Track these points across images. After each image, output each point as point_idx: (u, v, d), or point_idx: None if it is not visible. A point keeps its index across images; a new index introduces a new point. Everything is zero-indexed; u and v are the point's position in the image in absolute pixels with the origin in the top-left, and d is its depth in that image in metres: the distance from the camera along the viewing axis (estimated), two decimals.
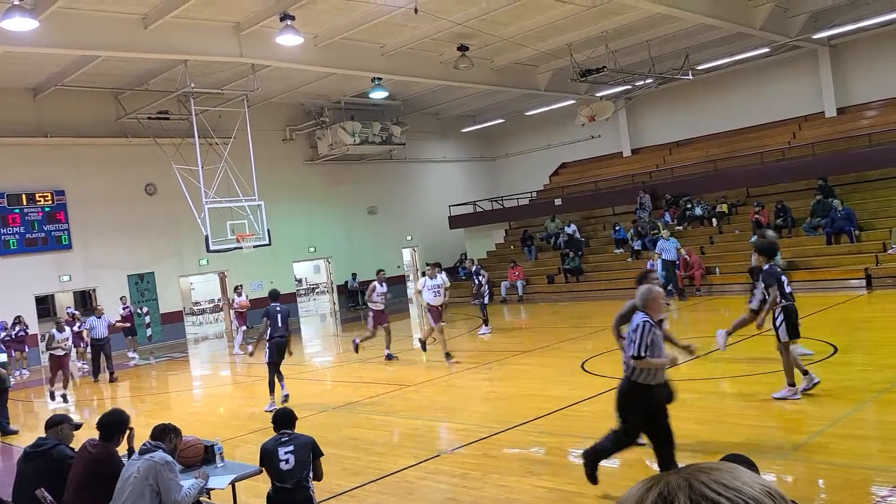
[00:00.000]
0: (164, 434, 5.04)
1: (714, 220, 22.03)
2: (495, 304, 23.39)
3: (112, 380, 15.58)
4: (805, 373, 7.90)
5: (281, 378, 10.77)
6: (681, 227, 22.55)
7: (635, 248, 22.36)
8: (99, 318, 15.89)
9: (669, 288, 18.93)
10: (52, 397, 13.67)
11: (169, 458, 4.74)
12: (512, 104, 28.12)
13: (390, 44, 19.12)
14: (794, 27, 21.08)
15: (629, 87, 24.82)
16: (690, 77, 23.21)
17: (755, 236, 15.11)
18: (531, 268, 25.04)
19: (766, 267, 8.14)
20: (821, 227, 18.65)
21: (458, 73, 20.53)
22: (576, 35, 19.85)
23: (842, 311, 13.97)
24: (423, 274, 15.61)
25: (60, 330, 13.93)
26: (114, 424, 5.06)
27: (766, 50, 22.51)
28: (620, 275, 21.55)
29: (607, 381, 9.86)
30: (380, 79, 20.96)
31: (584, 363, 11.30)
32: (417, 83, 22.81)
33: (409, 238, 29.48)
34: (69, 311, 15.30)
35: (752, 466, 3.25)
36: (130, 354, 18.92)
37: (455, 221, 28.70)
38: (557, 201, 26.27)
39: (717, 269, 19.49)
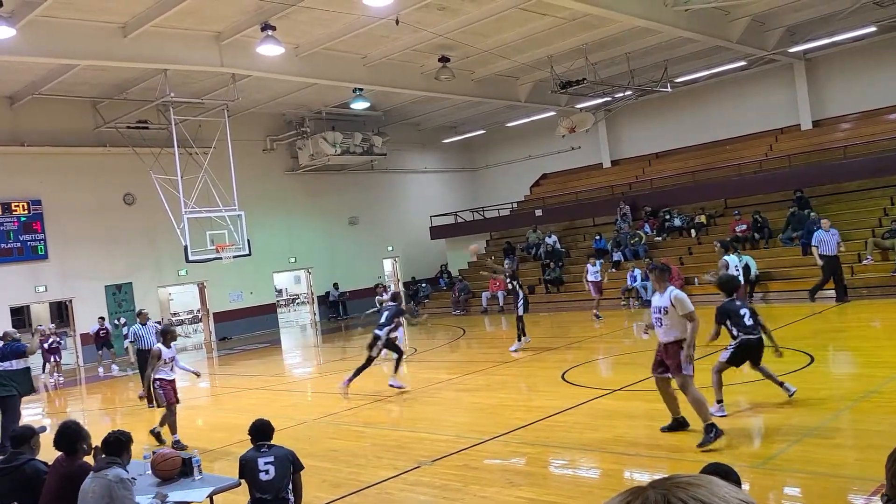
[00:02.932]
0: (119, 446, 4.77)
1: (693, 230, 22.24)
2: (475, 315, 23.44)
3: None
4: (719, 401, 7.89)
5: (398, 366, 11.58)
6: (660, 238, 22.73)
7: (615, 258, 22.49)
8: (144, 325, 13.44)
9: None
10: None
11: (124, 474, 4.52)
12: (493, 115, 28.26)
13: (372, 55, 19.16)
14: (771, 41, 21.41)
15: (609, 98, 25.05)
16: (669, 89, 23.48)
17: (719, 245, 15.30)
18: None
19: (722, 303, 8.16)
20: (797, 238, 18.88)
21: (439, 85, 20.62)
22: (556, 47, 20.01)
23: (817, 321, 14.13)
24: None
25: None
26: (66, 437, 4.92)
27: (743, 63, 22.83)
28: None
29: (588, 392, 9.90)
30: (361, 89, 20.98)
31: (564, 373, 11.32)
32: (399, 94, 22.87)
33: (390, 248, 29.45)
34: (40, 328, 14.78)
35: (732, 476, 3.26)
36: (112, 367, 18.69)
37: (436, 232, 28.72)
38: (538, 212, 26.39)
39: (697, 280, 19.64)
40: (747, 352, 7.95)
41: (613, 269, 22.15)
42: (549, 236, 24.82)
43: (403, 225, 29.56)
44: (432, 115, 28.25)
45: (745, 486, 5.31)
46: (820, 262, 15.51)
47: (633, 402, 9.32)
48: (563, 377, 11.05)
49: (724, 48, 20.86)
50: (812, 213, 19.00)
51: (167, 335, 9.75)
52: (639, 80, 22.89)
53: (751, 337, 7.91)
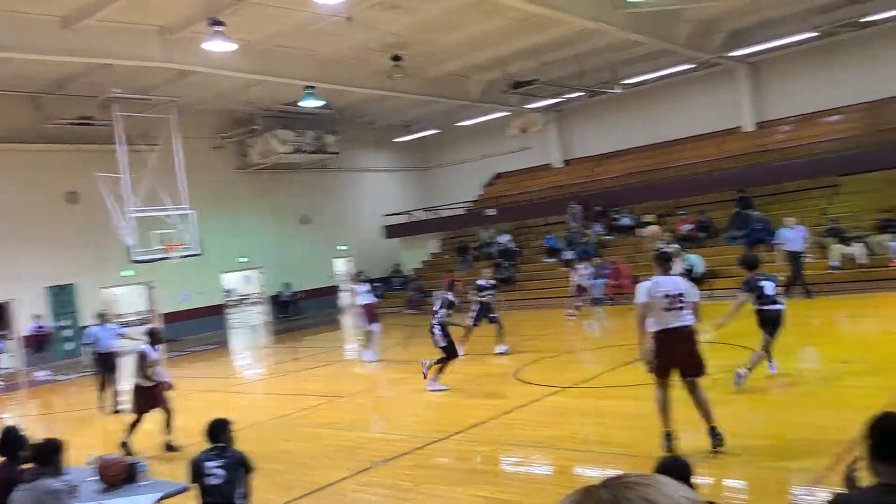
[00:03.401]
0: (49, 455, 4.55)
1: (641, 229, 22.64)
2: (429, 314, 23.39)
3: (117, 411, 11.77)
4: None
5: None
6: (610, 237, 23.09)
7: (566, 257, 22.77)
8: (103, 326, 12.52)
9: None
10: None
11: (56, 486, 4.28)
12: (446, 114, 28.30)
13: (323, 52, 19.00)
14: (715, 45, 21.94)
15: (560, 99, 25.33)
16: (619, 91, 23.86)
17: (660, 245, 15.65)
18: (467, 277, 25.14)
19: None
20: (741, 237, 19.40)
21: (391, 83, 20.54)
22: (508, 47, 20.14)
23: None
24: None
25: None
26: (9, 442, 4.74)
27: (689, 66, 23.32)
28: (552, 284, 21.89)
29: (540, 390, 10.00)
30: (312, 87, 20.78)
31: (517, 372, 11.41)
32: (351, 92, 22.71)
33: (342, 247, 29.25)
34: None
35: (686, 469, 3.33)
36: (39, 373, 18.15)
37: (390, 231, 28.64)
38: (491, 211, 26.54)
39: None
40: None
41: (565, 268, 22.41)
42: (502, 235, 24.99)
43: (356, 224, 29.40)
44: (385, 114, 28.15)
45: (698, 478, 5.42)
46: (779, 260, 15.91)
47: (584, 399, 9.46)
48: (515, 375, 11.13)
49: (672, 51, 21.29)
50: (755, 213, 19.54)
51: (154, 336, 9.20)
52: (589, 81, 23.21)
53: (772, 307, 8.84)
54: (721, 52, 22.05)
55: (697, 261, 18.55)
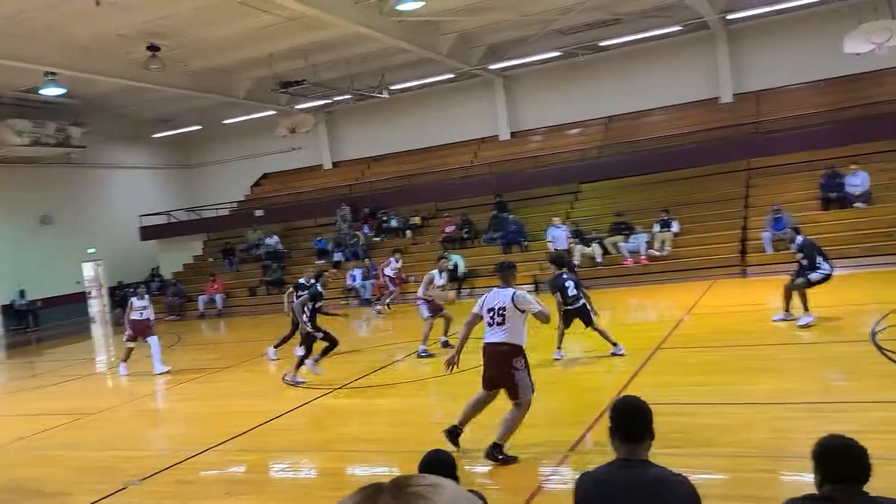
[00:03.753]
0: None
1: (408, 231, 23.43)
2: (191, 320, 22.26)
3: None
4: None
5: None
6: (378, 239, 23.58)
7: (336, 258, 22.87)
8: None
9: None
10: None
11: None
12: (210, 111, 27.01)
13: (68, 36, 17.23)
14: (475, 57, 23.36)
15: (329, 101, 25.36)
16: (386, 96, 24.47)
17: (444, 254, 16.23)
18: (232, 280, 24.27)
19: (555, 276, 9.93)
20: (498, 238, 20.83)
21: (148, 75, 19.19)
22: (276, 45, 19.75)
23: None
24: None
25: None
26: None
27: (451, 76, 24.56)
28: None
29: (309, 392, 9.96)
30: (54, 74, 18.75)
31: (284, 375, 11.25)
32: (101, 81, 20.81)
33: (91, 251, 26.74)
34: None
35: (449, 461, 3.53)
36: None
37: (146, 233, 26.75)
38: (259, 212, 25.87)
39: (412, 278, 20.70)
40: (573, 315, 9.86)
41: (334, 269, 22.49)
42: (270, 237, 24.46)
43: (108, 225, 27.04)
44: (142, 107, 26.20)
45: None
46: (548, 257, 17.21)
47: (353, 399, 9.58)
48: (284, 379, 10.98)
49: (436, 61, 22.27)
50: (510, 216, 21.09)
51: None
52: (358, 84, 23.53)
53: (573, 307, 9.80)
54: (480, 64, 23.52)
55: (460, 261, 19.57)
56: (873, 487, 2.68)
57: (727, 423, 6.71)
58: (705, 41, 22.65)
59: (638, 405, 3.09)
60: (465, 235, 21.68)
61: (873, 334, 9.30)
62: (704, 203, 19.82)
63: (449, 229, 21.93)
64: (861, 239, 16.36)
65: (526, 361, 6.36)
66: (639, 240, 18.56)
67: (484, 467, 6.22)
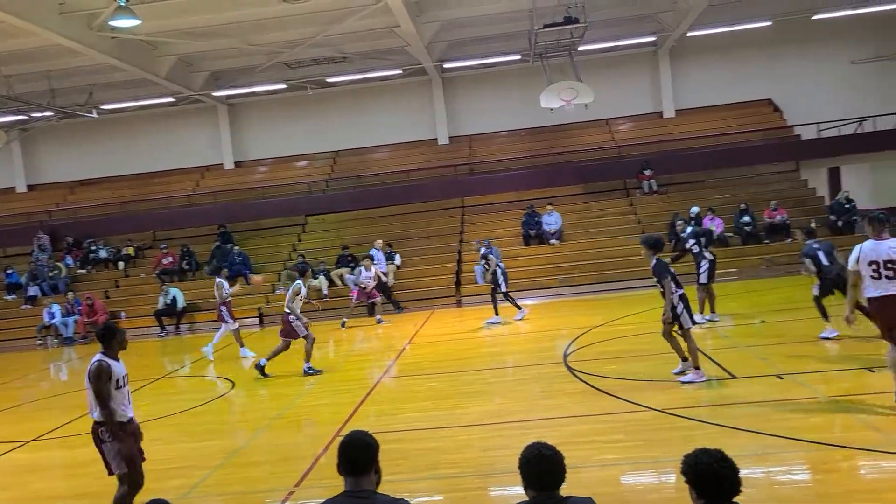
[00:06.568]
0: None
1: (120, 262, 21.61)
2: None
3: None
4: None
5: None
6: (84, 271, 21.45)
7: (31, 293, 20.31)
8: None
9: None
10: None
11: None
12: None
13: None
14: (198, 82, 22.47)
15: (25, 117, 22.60)
16: (95, 115, 22.49)
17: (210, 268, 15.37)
18: None
19: (654, 260, 8.44)
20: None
21: None
22: None
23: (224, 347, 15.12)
24: None
25: None
26: None
27: (171, 99, 23.30)
28: (14, 323, 19.42)
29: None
30: None
31: None
32: None
33: None
34: None
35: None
36: None
37: None
38: None
39: (124, 314, 19.05)
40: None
41: (29, 306, 19.97)
42: None
43: None
44: None
45: None
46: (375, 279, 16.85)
47: (51, 451, 8.53)
48: None
49: (154, 82, 21.03)
50: (235, 248, 20.43)
51: None
52: (62, 101, 21.31)
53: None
54: (203, 90, 22.66)
55: (179, 294, 18.52)
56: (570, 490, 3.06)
57: (444, 445, 7.15)
58: (424, 86, 24.25)
59: (363, 439, 3.20)
60: (186, 267, 20.55)
61: (565, 356, 10.57)
62: (424, 237, 21.06)
63: (166, 261, 20.63)
64: (557, 272, 18.57)
65: None
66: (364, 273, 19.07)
67: None
